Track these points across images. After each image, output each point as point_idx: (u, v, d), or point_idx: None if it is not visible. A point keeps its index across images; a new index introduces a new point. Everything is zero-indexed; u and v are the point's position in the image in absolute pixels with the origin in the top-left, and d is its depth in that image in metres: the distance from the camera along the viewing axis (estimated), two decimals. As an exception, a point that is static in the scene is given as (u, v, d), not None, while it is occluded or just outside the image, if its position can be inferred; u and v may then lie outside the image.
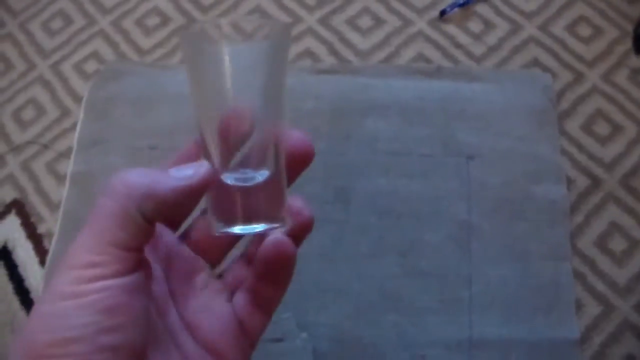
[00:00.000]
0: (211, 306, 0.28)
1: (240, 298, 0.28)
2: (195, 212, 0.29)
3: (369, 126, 0.56)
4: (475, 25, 0.62)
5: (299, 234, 0.28)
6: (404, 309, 0.50)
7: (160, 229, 0.27)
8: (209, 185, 0.25)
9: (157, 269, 0.27)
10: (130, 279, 0.23)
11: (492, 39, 0.62)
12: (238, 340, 0.27)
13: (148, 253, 0.25)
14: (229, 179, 0.26)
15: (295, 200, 0.27)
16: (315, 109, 0.57)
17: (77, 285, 0.22)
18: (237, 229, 0.26)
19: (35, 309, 0.22)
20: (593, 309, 0.52)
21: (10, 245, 0.54)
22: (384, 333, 0.49)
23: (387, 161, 0.54)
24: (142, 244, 0.24)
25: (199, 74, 0.26)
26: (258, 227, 0.26)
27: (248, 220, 0.26)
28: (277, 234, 0.26)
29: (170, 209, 0.24)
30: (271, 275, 0.27)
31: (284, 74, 0.25)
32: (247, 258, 0.29)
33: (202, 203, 0.28)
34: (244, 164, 0.26)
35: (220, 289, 0.29)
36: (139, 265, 0.24)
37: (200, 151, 0.27)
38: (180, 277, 0.28)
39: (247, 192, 0.26)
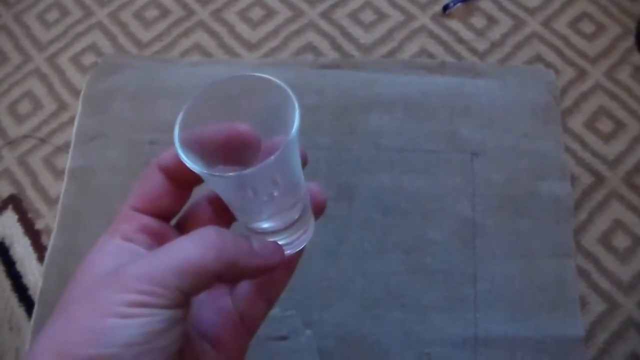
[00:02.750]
0: (212, 300, 0.28)
1: (243, 287, 0.28)
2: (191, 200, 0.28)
3: (373, 122, 0.55)
4: (478, 21, 0.62)
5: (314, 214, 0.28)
6: (409, 307, 0.50)
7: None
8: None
9: None
10: (176, 312, 0.23)
11: (495, 34, 0.62)
12: (237, 331, 0.28)
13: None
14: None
15: (312, 186, 0.28)
16: (318, 104, 0.56)
17: (126, 307, 0.22)
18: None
19: (74, 321, 0.22)
20: (597, 306, 0.51)
21: (7, 242, 0.53)
22: (389, 330, 0.49)
23: (391, 157, 0.54)
24: (199, 294, 0.24)
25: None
26: None
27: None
28: None
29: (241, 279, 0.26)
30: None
31: (297, 160, 0.25)
32: None
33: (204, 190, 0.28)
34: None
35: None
36: (187, 303, 0.24)
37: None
38: None
39: None
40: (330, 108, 0.55)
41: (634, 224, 0.54)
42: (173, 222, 0.28)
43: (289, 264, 0.28)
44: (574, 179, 0.55)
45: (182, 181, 0.27)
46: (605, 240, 0.53)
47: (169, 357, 0.23)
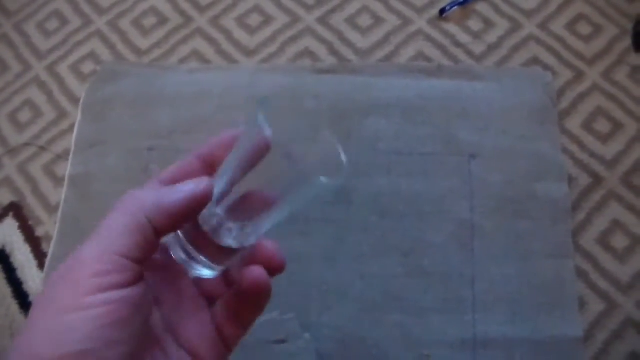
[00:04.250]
0: (193, 312, 0.28)
1: (219, 309, 0.29)
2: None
3: (370, 126, 0.56)
4: (475, 24, 0.62)
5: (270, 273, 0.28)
6: (408, 309, 0.50)
7: None
8: (209, 197, 0.26)
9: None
10: (132, 292, 0.23)
11: (492, 37, 0.62)
12: (216, 345, 0.28)
13: None
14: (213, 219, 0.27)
15: (268, 246, 0.28)
16: (315, 109, 0.56)
17: (82, 298, 0.22)
18: (195, 269, 0.28)
19: (37, 322, 0.22)
20: (596, 306, 0.51)
21: (8, 249, 0.54)
22: (387, 333, 0.49)
23: (388, 161, 0.54)
24: (147, 257, 0.25)
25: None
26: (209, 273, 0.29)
27: (208, 262, 0.28)
28: (257, 269, 0.27)
29: (176, 219, 0.26)
30: (248, 301, 0.28)
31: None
32: (226, 279, 0.30)
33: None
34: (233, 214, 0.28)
35: (201, 296, 0.30)
36: (141, 277, 0.24)
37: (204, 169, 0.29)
38: (163, 281, 0.28)
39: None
40: (327, 113, 0.56)
41: (633, 224, 0.54)
42: None
43: (262, 289, 0.27)
44: (571, 180, 0.55)
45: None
46: (603, 240, 0.53)
47: (140, 346, 0.23)
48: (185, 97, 0.58)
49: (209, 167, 0.29)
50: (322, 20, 0.62)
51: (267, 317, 0.48)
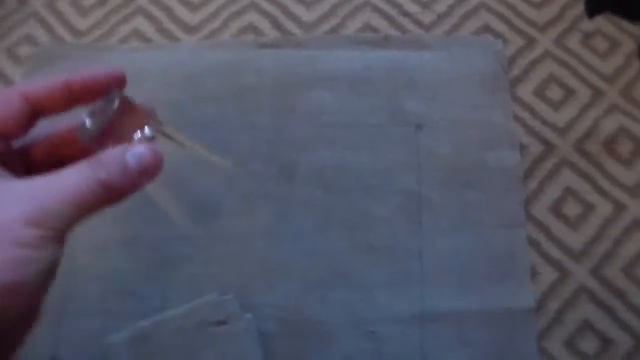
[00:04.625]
0: None
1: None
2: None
3: (314, 99, 0.54)
4: (423, -7, 0.60)
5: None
6: (353, 285, 0.48)
7: None
8: None
9: None
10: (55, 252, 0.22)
11: (441, 6, 0.60)
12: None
13: None
14: None
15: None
16: (257, 84, 0.54)
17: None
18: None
19: None
20: (548, 275, 0.50)
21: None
22: (332, 311, 0.48)
23: (332, 133, 0.52)
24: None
25: None
26: None
27: None
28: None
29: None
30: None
31: None
32: None
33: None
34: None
35: None
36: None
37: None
38: None
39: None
40: (270, 87, 0.54)
41: (585, 190, 0.52)
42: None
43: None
44: (523, 148, 0.53)
45: (44, 111, 0.27)
46: (556, 208, 0.52)
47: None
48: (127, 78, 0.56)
49: (73, 98, 0.27)
50: (266, -6, 0.60)
51: (206, 298, 0.47)
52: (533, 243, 0.51)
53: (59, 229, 0.22)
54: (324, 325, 0.47)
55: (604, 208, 0.52)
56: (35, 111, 0.27)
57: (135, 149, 0.24)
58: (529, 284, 0.49)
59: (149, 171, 0.24)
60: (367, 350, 0.47)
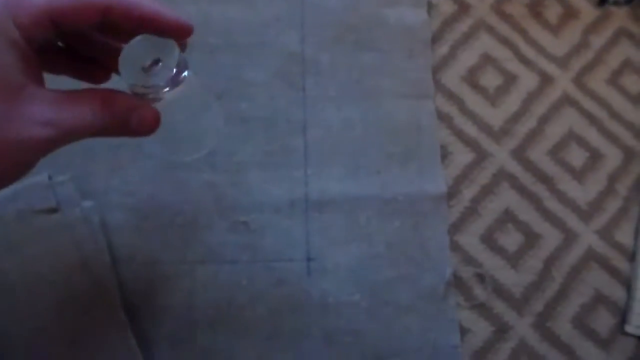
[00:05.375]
0: None
1: None
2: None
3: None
4: None
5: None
6: (220, 165, 0.37)
7: None
8: None
9: None
10: None
11: None
12: None
13: None
14: None
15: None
16: None
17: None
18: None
19: None
20: (462, 156, 0.41)
21: None
22: (195, 197, 0.37)
23: (193, -18, 0.41)
24: None
25: None
26: None
27: None
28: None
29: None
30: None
31: None
32: None
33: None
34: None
35: None
36: None
37: None
38: None
39: None
40: None
41: (506, 58, 0.43)
42: None
43: None
44: (432, 7, 0.43)
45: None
46: (471, 78, 0.42)
47: None
48: None
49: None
50: None
51: (32, 180, 0.35)
52: (444, 118, 0.41)
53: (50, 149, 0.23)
54: (185, 215, 0.36)
55: (528, 80, 0.43)
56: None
57: (142, 112, 0.25)
58: (438, 166, 0.39)
59: (141, 133, 0.26)
60: (238, 245, 0.36)
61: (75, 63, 0.29)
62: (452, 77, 0.42)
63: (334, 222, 0.37)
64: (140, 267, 0.36)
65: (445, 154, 0.40)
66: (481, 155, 0.41)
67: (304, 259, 0.37)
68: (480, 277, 0.39)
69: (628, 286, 0.40)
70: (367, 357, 0.36)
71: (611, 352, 0.39)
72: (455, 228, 0.39)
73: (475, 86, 0.42)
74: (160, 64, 0.25)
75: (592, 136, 0.42)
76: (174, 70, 0.25)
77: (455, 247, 0.39)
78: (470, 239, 0.39)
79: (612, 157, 0.42)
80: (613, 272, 0.40)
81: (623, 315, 0.40)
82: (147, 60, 0.25)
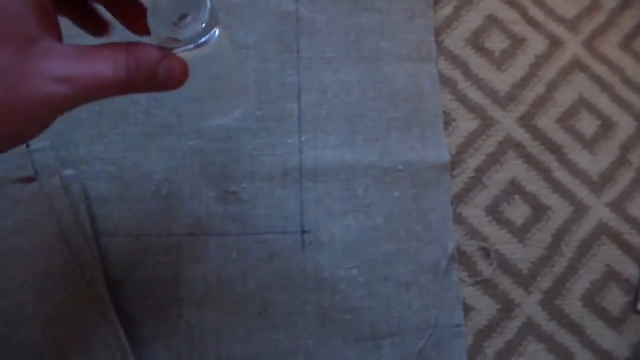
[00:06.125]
0: None
1: None
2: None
3: None
4: None
5: None
6: (208, 132, 0.35)
7: None
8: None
9: None
10: None
11: None
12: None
13: None
14: None
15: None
16: None
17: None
18: None
19: None
20: (467, 123, 0.38)
21: None
22: (181, 164, 0.35)
23: None
24: None
25: None
26: None
27: None
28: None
29: None
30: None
31: None
32: None
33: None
34: None
35: None
36: None
37: None
38: None
39: None
40: None
41: (513, 20, 0.40)
42: None
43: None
44: (433, -34, 0.41)
45: None
46: (476, 41, 0.40)
47: None
48: None
49: None
50: None
51: None
52: (447, 82, 0.38)
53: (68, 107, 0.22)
54: (171, 184, 0.34)
55: (535, 43, 0.40)
56: None
57: (170, 63, 0.23)
58: (441, 133, 0.37)
59: (168, 86, 0.24)
60: (227, 216, 0.34)
61: (78, 10, 0.27)
62: (455, 40, 0.39)
63: (330, 192, 0.35)
64: (124, 239, 0.34)
65: (448, 121, 0.38)
66: (486, 122, 0.38)
67: (298, 231, 0.34)
68: (485, 252, 0.36)
69: (641, 262, 0.38)
70: (364, 336, 0.34)
71: (623, 332, 0.36)
72: (459, 199, 0.37)
73: (480, 49, 0.39)
74: (190, 16, 0.24)
75: (604, 103, 0.40)
76: (204, 23, 0.23)
77: (458, 219, 0.36)
78: (474, 211, 0.37)
79: (625, 126, 0.40)
80: (625, 247, 0.38)
81: (636, 293, 0.37)
82: (176, 14, 0.24)
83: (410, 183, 0.36)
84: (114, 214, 0.34)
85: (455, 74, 0.39)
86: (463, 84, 0.39)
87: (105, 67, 0.22)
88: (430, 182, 0.36)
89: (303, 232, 0.35)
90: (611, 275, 0.37)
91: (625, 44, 0.41)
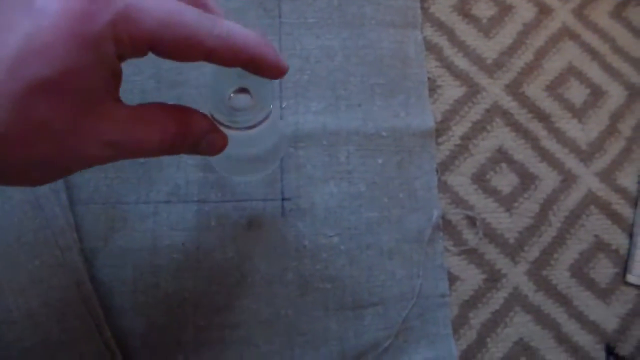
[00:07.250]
0: None
1: None
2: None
3: None
4: None
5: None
6: (187, 97, 0.34)
7: None
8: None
9: None
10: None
11: None
12: None
13: None
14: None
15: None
16: None
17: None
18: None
19: None
20: (453, 90, 0.37)
21: None
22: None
23: None
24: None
25: None
26: None
27: None
28: None
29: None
30: None
31: None
32: None
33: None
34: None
35: None
36: None
37: None
38: None
39: None
40: None
41: (500, -14, 0.39)
42: None
43: None
44: None
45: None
46: (462, 7, 0.39)
47: None
48: None
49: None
50: None
51: None
52: (432, 49, 0.38)
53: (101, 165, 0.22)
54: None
55: (524, 10, 0.39)
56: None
57: (213, 137, 0.24)
58: (426, 99, 0.36)
59: (203, 154, 0.24)
60: (206, 183, 0.33)
61: None
62: (441, 6, 0.39)
63: (311, 158, 0.34)
64: (100, 207, 0.33)
65: (433, 87, 0.37)
66: (473, 90, 0.37)
67: (278, 198, 0.34)
68: (471, 221, 0.36)
69: (630, 233, 0.37)
70: (346, 305, 0.33)
71: (611, 303, 0.36)
72: (444, 167, 0.36)
73: (467, 16, 0.39)
74: (250, 98, 0.24)
75: (594, 72, 0.39)
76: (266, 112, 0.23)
77: (443, 187, 0.36)
78: (460, 179, 0.36)
79: (615, 95, 0.39)
80: (614, 217, 0.37)
81: (624, 264, 0.36)
82: (232, 87, 0.24)
83: (394, 150, 0.35)
84: (90, 182, 0.33)
85: (441, 40, 0.38)
86: (449, 51, 0.38)
87: (153, 136, 0.22)
88: (414, 149, 0.35)
89: (283, 199, 0.34)
90: (600, 245, 0.36)
91: (617, 13, 0.40)
